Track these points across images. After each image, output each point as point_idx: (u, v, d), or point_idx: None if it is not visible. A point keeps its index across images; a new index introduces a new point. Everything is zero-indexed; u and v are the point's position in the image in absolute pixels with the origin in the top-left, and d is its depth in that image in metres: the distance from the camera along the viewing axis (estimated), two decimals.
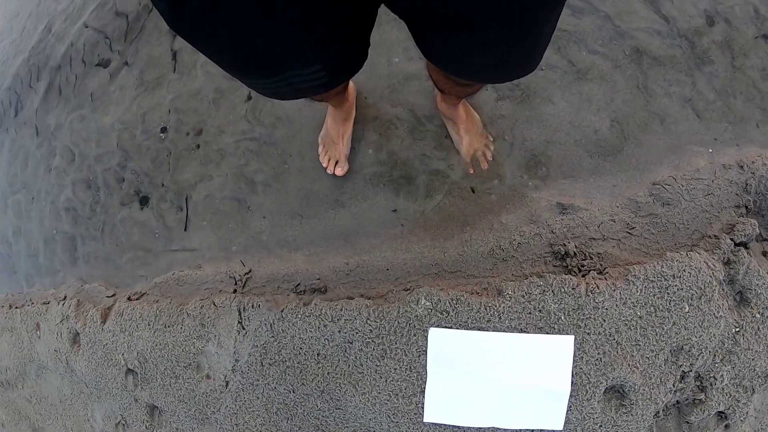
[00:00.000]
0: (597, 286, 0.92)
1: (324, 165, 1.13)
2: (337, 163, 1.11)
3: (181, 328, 1.23)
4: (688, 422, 0.97)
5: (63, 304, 1.57)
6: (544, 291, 0.93)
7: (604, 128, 1.11)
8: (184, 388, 1.25)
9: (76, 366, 1.53)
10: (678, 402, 0.98)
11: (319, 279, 1.10)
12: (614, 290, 0.91)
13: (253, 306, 1.11)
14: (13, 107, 1.97)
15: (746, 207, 1.06)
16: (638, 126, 1.11)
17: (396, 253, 1.06)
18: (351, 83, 1.08)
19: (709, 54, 1.15)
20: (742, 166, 1.07)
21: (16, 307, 1.85)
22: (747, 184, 1.04)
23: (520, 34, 0.44)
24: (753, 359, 0.94)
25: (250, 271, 1.17)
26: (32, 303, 1.78)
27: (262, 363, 1.11)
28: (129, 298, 1.39)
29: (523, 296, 0.94)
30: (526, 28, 0.43)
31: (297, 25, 0.43)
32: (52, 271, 1.68)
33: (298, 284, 1.11)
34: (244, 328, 1.13)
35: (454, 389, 0.95)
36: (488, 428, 0.95)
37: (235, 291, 1.17)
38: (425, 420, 0.96)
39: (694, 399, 0.95)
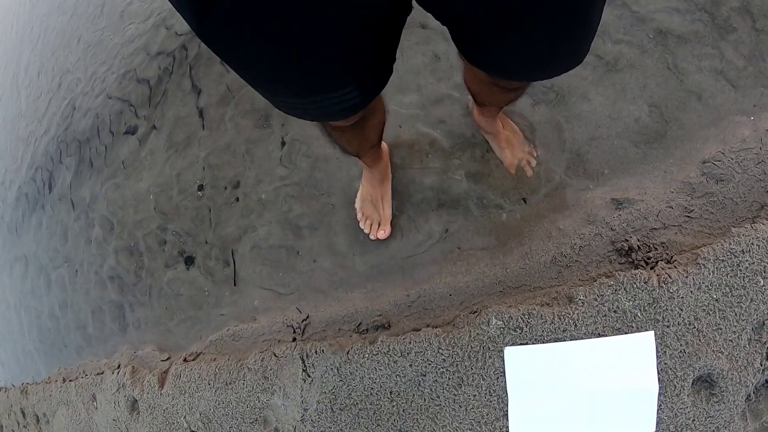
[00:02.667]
0: (669, 276, 0.89)
1: (366, 231, 1.11)
2: (379, 225, 1.09)
3: (243, 383, 1.21)
4: None
5: (117, 373, 1.57)
6: (615, 290, 0.90)
7: (643, 115, 1.09)
8: None
9: None
10: (767, 381, 0.92)
11: (380, 315, 1.07)
12: (686, 277, 0.88)
13: (316, 352, 1.08)
14: (47, 184, 2.04)
15: None
16: (677, 107, 1.09)
17: (456, 277, 1.03)
18: (384, 143, 1.07)
19: (731, 22, 1.13)
20: None
21: (70, 380, 1.86)
22: None
23: (571, 23, 0.43)
24: None
25: (307, 317, 1.15)
26: (86, 374, 1.78)
27: (332, 409, 1.07)
28: (185, 360, 1.38)
29: (596, 299, 0.91)
30: (576, 16, 0.42)
31: (332, 45, 0.41)
32: (102, 340, 1.69)
33: (360, 323, 1.08)
34: (309, 376, 1.10)
35: (537, 406, 0.92)
36: None
37: (294, 339, 1.15)
38: None
39: None
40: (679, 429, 0.88)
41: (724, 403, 0.88)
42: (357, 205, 1.13)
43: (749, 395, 0.90)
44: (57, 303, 1.92)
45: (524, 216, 1.05)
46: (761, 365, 0.88)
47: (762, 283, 0.87)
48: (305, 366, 1.10)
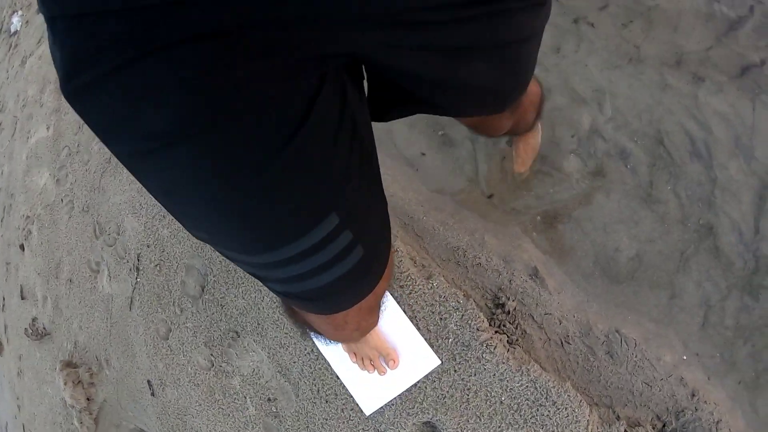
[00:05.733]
0: (493, 349, 0.92)
1: (368, 371, 0.94)
2: (388, 357, 0.92)
3: None
4: None
5: None
6: (457, 309, 0.95)
7: (623, 254, 1.07)
8: None
9: None
10: None
11: None
12: (503, 364, 0.91)
13: None
14: None
15: (664, 424, 1.00)
16: (650, 279, 1.04)
17: (393, 185, 1.09)
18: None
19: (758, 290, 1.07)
20: (693, 395, 1.01)
21: None
22: (680, 412, 0.99)
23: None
24: None
25: None
26: None
27: None
28: None
29: (441, 297, 0.95)
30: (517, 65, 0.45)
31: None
32: None
33: None
34: None
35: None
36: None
37: None
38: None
39: None
40: (383, 428, 0.94)
41: None
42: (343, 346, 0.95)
43: None
44: None
45: (477, 202, 1.09)
46: None
47: None
48: None
